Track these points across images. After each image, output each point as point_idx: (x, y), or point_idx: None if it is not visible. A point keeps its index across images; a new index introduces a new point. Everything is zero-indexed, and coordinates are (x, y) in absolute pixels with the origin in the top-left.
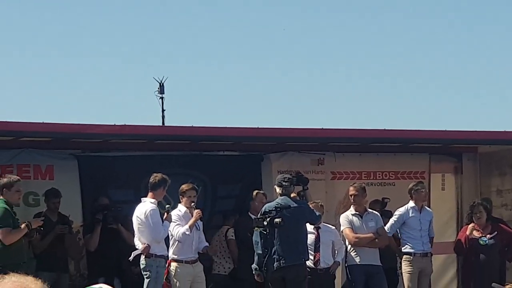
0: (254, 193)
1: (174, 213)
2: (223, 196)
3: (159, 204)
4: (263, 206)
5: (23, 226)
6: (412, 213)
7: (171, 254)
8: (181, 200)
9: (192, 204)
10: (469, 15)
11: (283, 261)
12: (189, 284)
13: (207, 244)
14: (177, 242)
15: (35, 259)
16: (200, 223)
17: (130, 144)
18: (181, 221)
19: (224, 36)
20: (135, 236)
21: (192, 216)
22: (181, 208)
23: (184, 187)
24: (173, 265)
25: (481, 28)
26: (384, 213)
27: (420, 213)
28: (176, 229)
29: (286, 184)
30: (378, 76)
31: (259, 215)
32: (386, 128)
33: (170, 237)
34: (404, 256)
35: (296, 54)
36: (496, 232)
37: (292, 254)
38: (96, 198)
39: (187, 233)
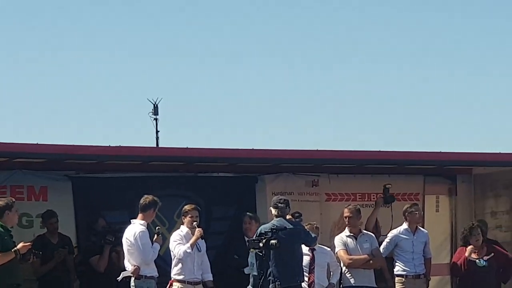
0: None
1: (176, 233)
2: (218, 218)
3: (149, 226)
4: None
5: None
6: (405, 235)
7: (173, 275)
8: (184, 221)
9: (194, 223)
10: (461, 29)
11: (279, 283)
12: None
13: (211, 278)
14: (179, 262)
15: (37, 281)
16: (203, 244)
17: (125, 165)
18: (182, 241)
19: (218, 59)
20: (125, 257)
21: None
22: (183, 229)
23: (187, 207)
24: (176, 285)
25: (475, 47)
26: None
27: (414, 235)
28: (178, 248)
29: (282, 205)
30: (373, 97)
31: (254, 236)
32: (381, 150)
33: (172, 257)
34: (397, 278)
35: (290, 75)
36: (492, 254)
37: (288, 276)
38: (96, 219)
39: (188, 251)
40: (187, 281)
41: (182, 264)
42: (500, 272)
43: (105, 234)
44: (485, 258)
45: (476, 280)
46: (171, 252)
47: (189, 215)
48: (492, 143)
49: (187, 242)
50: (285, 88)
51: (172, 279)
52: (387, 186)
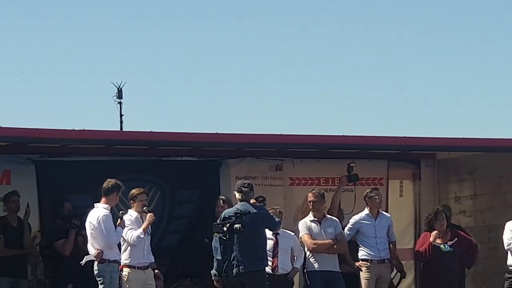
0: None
1: (126, 218)
2: (182, 201)
3: (113, 210)
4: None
5: None
6: (366, 220)
7: (123, 260)
8: (132, 205)
9: (144, 208)
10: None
11: (242, 267)
12: None
13: (153, 260)
14: (129, 247)
15: None
16: (150, 227)
17: (89, 149)
18: (133, 226)
19: (183, 41)
20: (88, 241)
21: (143, 220)
22: (132, 213)
23: (134, 191)
24: (125, 270)
25: (432, 28)
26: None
27: (376, 220)
28: (130, 233)
29: (246, 189)
30: (337, 82)
31: (218, 220)
32: (345, 134)
33: (122, 243)
34: (362, 263)
35: (255, 60)
36: (456, 239)
37: (251, 260)
38: (61, 203)
39: (141, 236)
40: (137, 266)
41: (132, 249)
42: (464, 257)
43: (71, 218)
44: (450, 243)
45: (440, 265)
46: (122, 237)
47: (138, 199)
48: (456, 129)
49: (138, 226)
50: (250, 72)
51: (122, 264)
52: (351, 164)
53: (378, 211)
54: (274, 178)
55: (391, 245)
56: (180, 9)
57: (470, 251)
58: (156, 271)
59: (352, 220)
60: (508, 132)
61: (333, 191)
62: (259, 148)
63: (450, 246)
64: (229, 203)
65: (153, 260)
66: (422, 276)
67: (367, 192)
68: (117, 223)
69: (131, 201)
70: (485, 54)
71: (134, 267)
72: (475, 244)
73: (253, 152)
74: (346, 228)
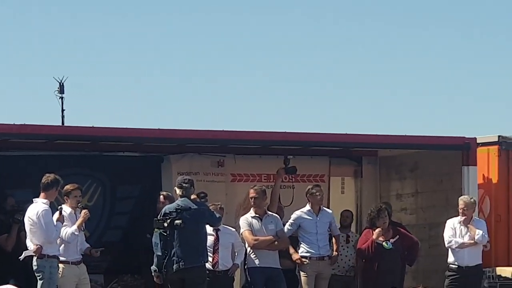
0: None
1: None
2: (123, 197)
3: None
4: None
5: None
6: (308, 216)
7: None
8: (66, 201)
9: (78, 204)
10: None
11: (182, 263)
12: (75, 285)
13: (88, 245)
14: (63, 244)
15: None
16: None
17: (30, 143)
18: (67, 222)
19: (123, 35)
20: (27, 237)
21: (77, 216)
22: (66, 209)
23: (68, 187)
24: (60, 266)
25: (387, 30)
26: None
27: (317, 216)
28: (64, 230)
29: (186, 185)
30: (278, 78)
31: (159, 216)
32: (286, 131)
33: None
34: (301, 259)
35: (199, 54)
36: (398, 237)
37: (192, 256)
38: (4, 198)
39: (76, 233)
40: (71, 262)
41: (66, 245)
42: (405, 255)
43: (14, 213)
44: (392, 240)
45: (382, 262)
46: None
47: (73, 195)
48: (398, 126)
49: (72, 222)
50: (191, 67)
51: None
52: (288, 157)
53: (319, 208)
54: (216, 174)
55: (334, 238)
56: (120, 5)
57: (412, 249)
58: (91, 250)
59: (293, 215)
60: (449, 130)
61: None
62: (201, 144)
63: (392, 243)
64: (170, 199)
65: (87, 245)
66: (363, 273)
67: (309, 189)
68: (56, 218)
69: (65, 197)
70: (426, 52)
71: (68, 262)
72: (416, 242)
73: (195, 148)
74: (288, 223)
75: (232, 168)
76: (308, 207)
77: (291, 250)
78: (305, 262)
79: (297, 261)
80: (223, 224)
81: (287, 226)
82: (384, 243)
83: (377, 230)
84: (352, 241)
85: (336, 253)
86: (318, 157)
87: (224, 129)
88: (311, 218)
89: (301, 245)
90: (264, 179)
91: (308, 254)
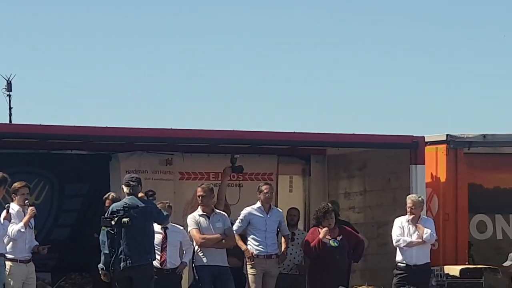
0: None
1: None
2: (71, 195)
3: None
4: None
5: None
6: (258, 213)
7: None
8: (14, 199)
9: (26, 201)
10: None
11: (130, 261)
12: (22, 283)
13: (37, 243)
14: (11, 241)
15: None
16: (32, 221)
17: None
18: (14, 220)
19: (76, 31)
20: None
21: (25, 214)
22: (13, 207)
23: (16, 185)
24: (8, 264)
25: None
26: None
27: (268, 214)
28: (11, 227)
29: (134, 183)
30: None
31: (106, 214)
32: (235, 129)
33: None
34: (248, 257)
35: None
36: (343, 235)
37: (139, 254)
38: None
39: (22, 230)
40: (19, 260)
41: (13, 243)
42: (351, 253)
43: None
44: (338, 238)
45: (328, 259)
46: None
47: (20, 193)
48: (346, 124)
49: (19, 220)
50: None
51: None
52: (235, 156)
53: (270, 206)
54: (164, 172)
55: (283, 238)
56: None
57: (357, 247)
58: (39, 247)
59: (244, 212)
60: (397, 129)
61: None
62: (149, 142)
63: (338, 241)
64: (117, 201)
65: (36, 243)
66: (310, 271)
67: (259, 186)
68: (3, 216)
69: (13, 194)
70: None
71: (16, 260)
72: (362, 240)
73: (143, 146)
74: (238, 220)
75: (180, 166)
76: (258, 204)
77: (240, 243)
78: (253, 254)
79: (245, 253)
80: (171, 222)
81: (237, 223)
82: (330, 241)
83: (324, 229)
84: (297, 239)
85: (285, 252)
86: (266, 156)
87: (173, 127)
88: (261, 215)
89: (249, 242)
90: (212, 178)
91: (256, 252)
